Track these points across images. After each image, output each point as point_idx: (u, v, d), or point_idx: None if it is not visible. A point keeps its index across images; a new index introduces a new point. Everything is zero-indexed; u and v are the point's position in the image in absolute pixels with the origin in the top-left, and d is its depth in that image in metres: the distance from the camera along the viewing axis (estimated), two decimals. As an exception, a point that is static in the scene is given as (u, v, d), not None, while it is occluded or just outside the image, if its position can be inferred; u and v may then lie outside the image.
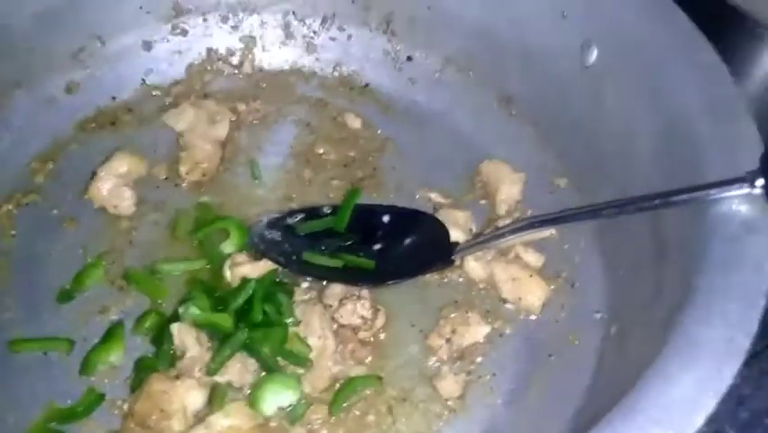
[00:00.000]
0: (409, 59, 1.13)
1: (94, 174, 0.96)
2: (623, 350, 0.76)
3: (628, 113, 0.88)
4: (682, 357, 0.55)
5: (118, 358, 0.85)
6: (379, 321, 0.88)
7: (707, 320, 0.57)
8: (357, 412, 0.83)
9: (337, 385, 0.84)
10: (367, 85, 1.14)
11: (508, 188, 1.00)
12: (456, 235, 0.94)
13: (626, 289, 0.83)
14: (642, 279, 0.78)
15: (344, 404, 0.82)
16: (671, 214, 0.72)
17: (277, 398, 0.82)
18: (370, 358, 0.86)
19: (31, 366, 0.83)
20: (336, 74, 1.15)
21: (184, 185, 1.01)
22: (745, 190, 0.62)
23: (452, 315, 0.89)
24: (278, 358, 0.84)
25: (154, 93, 1.10)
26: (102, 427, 0.80)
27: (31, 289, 0.89)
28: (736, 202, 0.64)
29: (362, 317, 0.87)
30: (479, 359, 0.87)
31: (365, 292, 0.88)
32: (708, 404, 0.52)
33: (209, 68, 1.13)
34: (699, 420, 0.51)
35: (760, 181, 0.61)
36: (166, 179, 1.01)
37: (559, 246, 0.95)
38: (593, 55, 0.92)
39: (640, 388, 0.55)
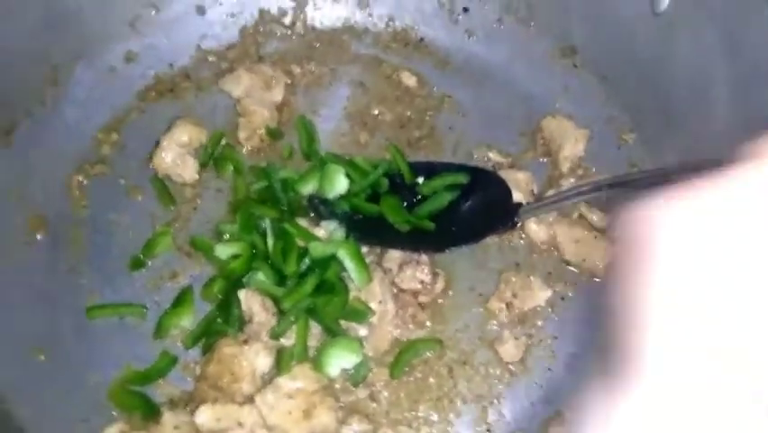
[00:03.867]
0: (465, 9, 1.09)
1: (157, 144, 0.98)
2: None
3: (703, 61, 0.82)
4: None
5: (189, 322, 0.88)
6: (439, 285, 0.88)
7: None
8: (418, 375, 0.84)
9: (398, 349, 0.85)
10: (422, 39, 1.11)
11: (572, 146, 0.96)
12: (517, 197, 0.92)
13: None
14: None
15: (405, 367, 0.84)
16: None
17: (340, 360, 0.84)
18: (429, 322, 0.87)
19: (108, 331, 0.88)
20: (390, 29, 1.12)
21: (243, 151, 1.02)
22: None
23: (513, 278, 0.88)
24: (341, 322, 0.85)
25: (210, 58, 1.10)
26: (176, 387, 0.85)
27: (104, 257, 0.93)
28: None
29: (422, 282, 0.87)
30: (540, 323, 0.86)
31: (424, 257, 0.88)
32: None
33: (262, 29, 1.12)
34: None
35: None
36: (226, 145, 1.02)
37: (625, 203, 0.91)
38: (666, 0, 0.85)
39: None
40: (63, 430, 0.80)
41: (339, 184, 0.95)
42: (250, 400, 0.79)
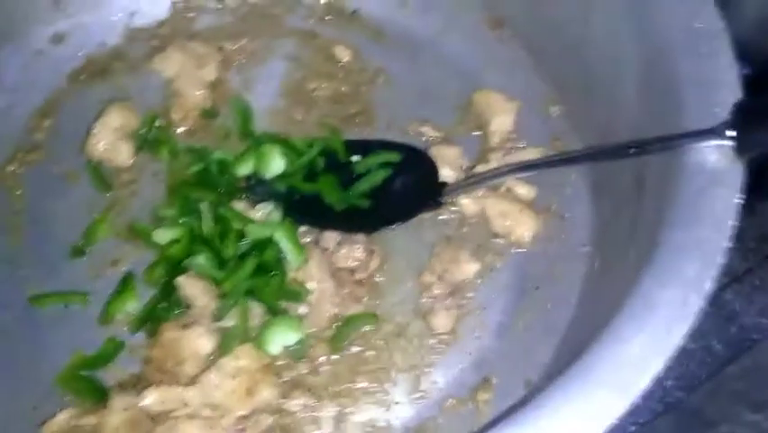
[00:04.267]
0: (398, -22, 1.08)
1: (88, 131, 0.97)
2: (604, 285, 0.79)
3: (615, 39, 0.84)
4: (636, 319, 0.58)
5: (133, 307, 0.91)
6: (374, 262, 0.91)
7: (664, 280, 0.59)
8: (356, 349, 0.88)
9: (337, 324, 0.89)
10: (355, 11, 1.11)
11: (501, 119, 0.99)
12: (447, 173, 0.95)
13: (610, 223, 0.84)
14: (623, 215, 0.79)
15: (344, 342, 0.88)
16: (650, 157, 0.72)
17: (281, 338, 0.87)
18: (366, 298, 0.91)
19: (53, 319, 0.90)
20: (323, 1, 1.11)
21: (178, 132, 1.02)
22: (716, 141, 0.61)
23: (444, 252, 0.92)
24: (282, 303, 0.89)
25: (141, 36, 1.08)
26: (125, 371, 0.87)
27: (44, 245, 0.94)
28: (707, 152, 0.63)
29: (358, 260, 0.90)
30: (470, 294, 0.90)
31: (360, 236, 0.91)
32: (655, 366, 0.55)
33: (193, 4, 1.11)
34: (645, 382, 0.54)
35: (730, 132, 0.60)
36: (159, 127, 1.02)
37: (550, 177, 0.95)
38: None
39: (594, 349, 0.57)
40: (13, 419, 0.83)
41: (275, 164, 0.96)
42: (194, 381, 0.83)
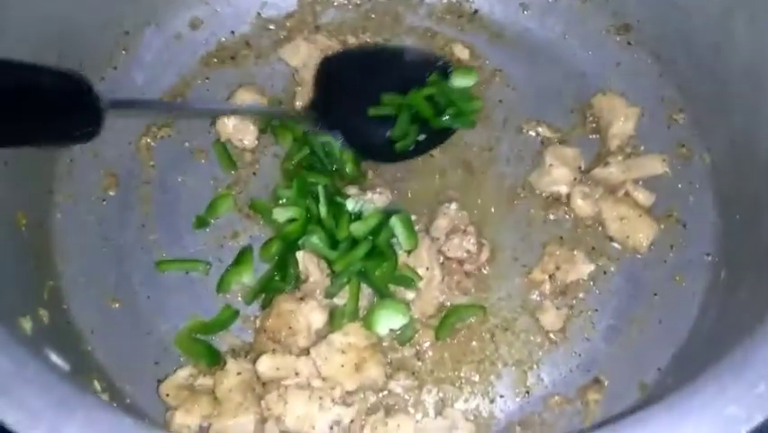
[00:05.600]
0: (521, -18, 1.10)
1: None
2: (731, 296, 0.76)
3: (762, 45, 0.82)
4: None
5: (249, 279, 0.95)
6: (484, 255, 0.92)
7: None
8: (462, 339, 0.89)
9: (443, 313, 0.90)
10: (476, 12, 1.12)
11: (622, 123, 0.98)
12: (563, 174, 0.94)
13: (741, 233, 0.81)
14: (757, 224, 0.76)
15: (450, 330, 0.89)
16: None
17: (389, 321, 0.89)
18: (474, 289, 0.92)
19: (175, 284, 0.95)
20: (444, 1, 1.14)
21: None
22: None
23: (557, 251, 0.91)
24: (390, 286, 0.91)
25: (269, 26, 1.14)
26: (238, 338, 0.92)
27: (171, 215, 1.00)
28: None
29: (468, 251, 0.91)
30: (581, 295, 0.89)
31: (471, 228, 0.92)
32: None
33: (320, -1, 1.15)
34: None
35: None
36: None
37: (672, 185, 0.93)
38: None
39: (750, 342, 0.55)
40: (136, 371, 0.88)
41: None
42: (305, 352, 0.85)
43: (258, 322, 0.92)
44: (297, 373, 0.83)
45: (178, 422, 0.81)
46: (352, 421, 0.81)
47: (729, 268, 0.81)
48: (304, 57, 1.08)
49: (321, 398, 0.81)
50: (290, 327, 0.87)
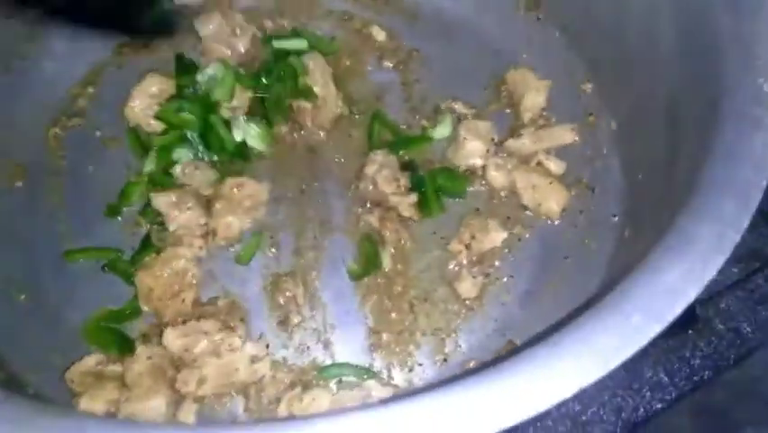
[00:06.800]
0: (434, -40, 1.11)
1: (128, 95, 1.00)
2: (634, 251, 0.77)
3: (653, 13, 0.84)
4: (673, 251, 0.57)
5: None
6: (412, 197, 0.92)
7: (702, 216, 0.58)
8: (382, 311, 0.88)
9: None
10: (391, -6, 1.13)
11: (533, 96, 0.99)
12: (478, 146, 0.95)
13: (642, 191, 0.83)
14: (656, 181, 0.78)
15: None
16: (687, 109, 0.71)
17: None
18: (394, 264, 0.91)
19: (84, 274, 0.92)
20: (361, -17, 1.14)
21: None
22: (758, 88, 0.60)
23: (473, 222, 0.92)
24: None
25: (185, 12, 1.12)
26: (148, 324, 0.89)
27: (82, 204, 0.97)
28: (749, 100, 0.62)
29: (397, 181, 0.92)
30: (497, 263, 0.90)
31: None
32: (690, 295, 0.54)
33: (235, -18, 1.14)
34: (679, 309, 0.53)
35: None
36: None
37: (581, 152, 0.95)
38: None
39: (630, 279, 0.57)
40: (43, 361, 0.84)
41: None
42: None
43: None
44: (205, 333, 0.81)
45: (82, 408, 0.77)
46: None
47: (632, 226, 0.83)
48: (215, 27, 1.06)
49: (230, 344, 0.80)
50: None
